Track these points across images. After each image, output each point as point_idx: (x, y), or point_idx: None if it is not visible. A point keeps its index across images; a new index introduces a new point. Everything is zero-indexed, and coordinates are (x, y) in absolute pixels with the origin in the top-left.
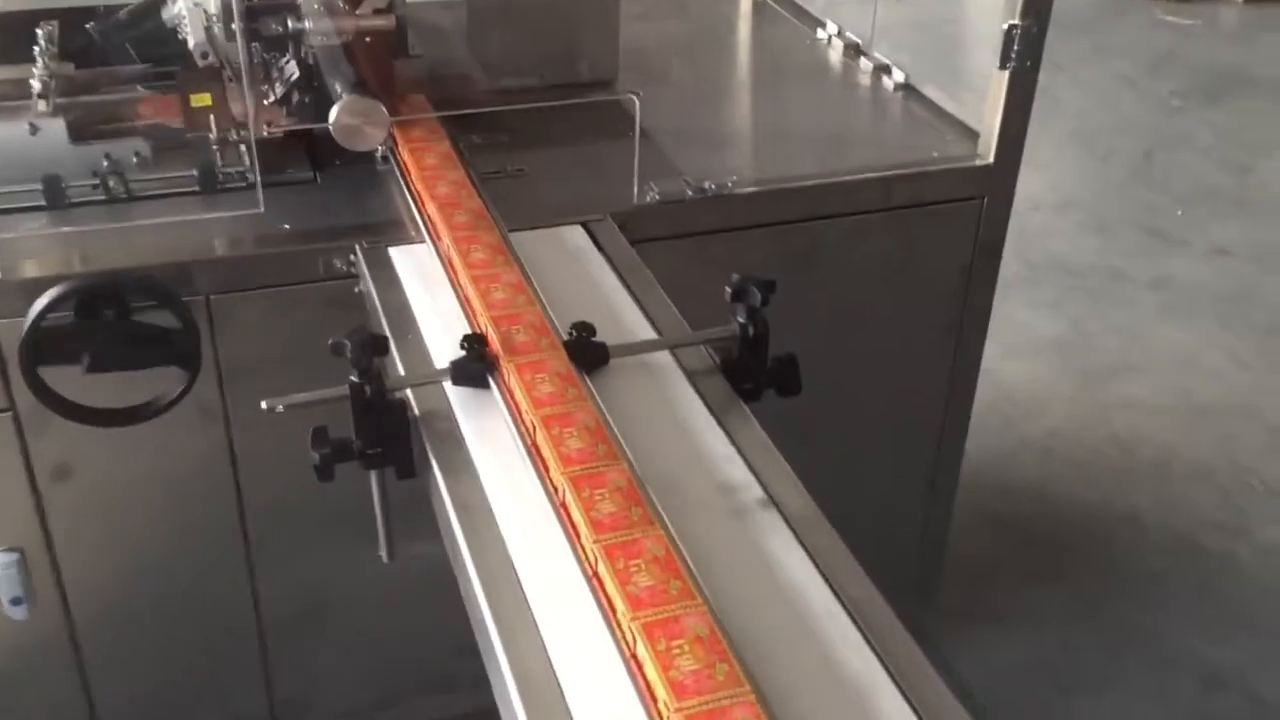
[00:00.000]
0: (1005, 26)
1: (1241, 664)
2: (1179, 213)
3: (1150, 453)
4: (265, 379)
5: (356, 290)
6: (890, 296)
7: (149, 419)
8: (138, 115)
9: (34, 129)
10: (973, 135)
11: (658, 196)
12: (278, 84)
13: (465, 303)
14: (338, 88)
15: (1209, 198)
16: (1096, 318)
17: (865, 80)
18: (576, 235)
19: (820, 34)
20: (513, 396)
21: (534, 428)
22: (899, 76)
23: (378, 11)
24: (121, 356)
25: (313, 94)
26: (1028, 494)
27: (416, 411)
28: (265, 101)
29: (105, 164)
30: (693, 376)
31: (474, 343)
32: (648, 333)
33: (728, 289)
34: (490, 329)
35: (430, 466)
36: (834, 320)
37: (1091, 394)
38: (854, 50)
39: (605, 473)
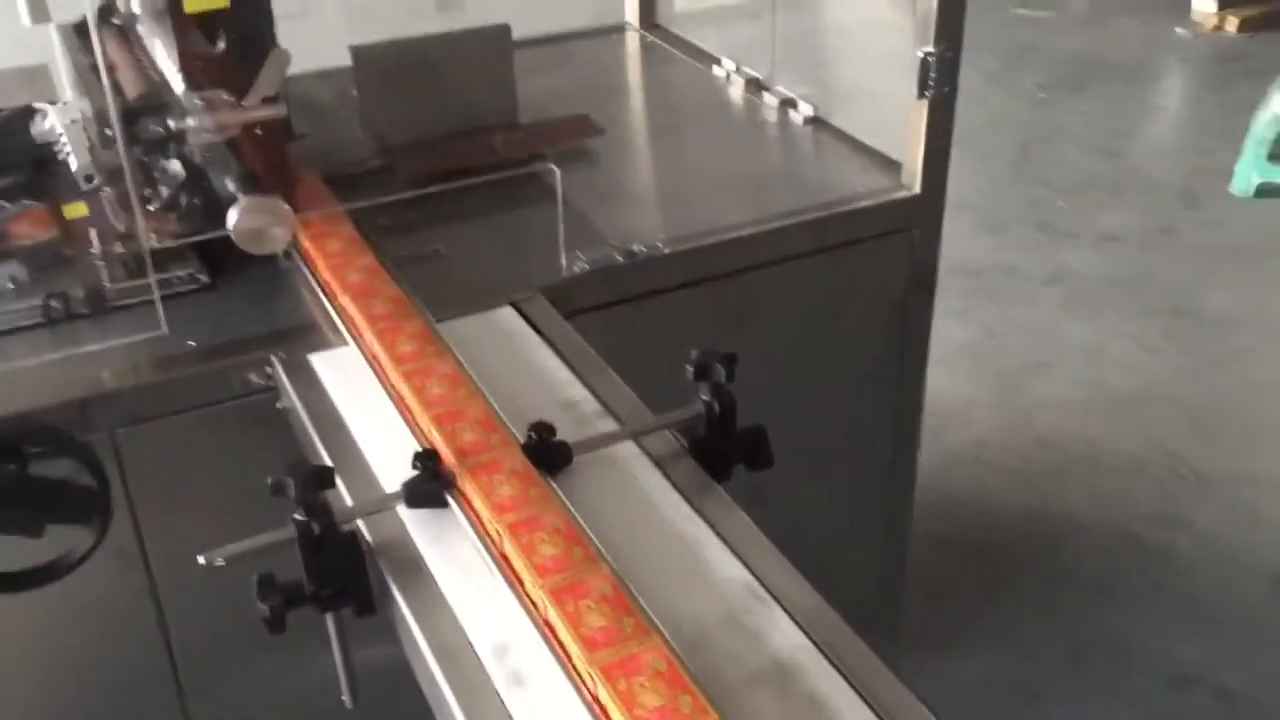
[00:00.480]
0: (920, 54)
1: (1205, 659)
2: (1060, 204)
3: (1078, 450)
4: (186, 514)
5: (279, 406)
6: (828, 338)
7: (57, 579)
8: (9, 236)
9: None
10: (891, 165)
11: (586, 266)
12: (161, 187)
13: (400, 403)
14: (230, 186)
15: (1088, 186)
16: (1002, 319)
17: (773, 116)
18: (508, 318)
19: (718, 71)
20: (472, 508)
21: (500, 536)
22: (807, 110)
23: (266, 100)
24: (19, 520)
25: (201, 195)
26: (966, 508)
27: (371, 541)
28: (149, 207)
29: None
30: (661, 463)
31: (427, 460)
32: (605, 421)
33: (689, 367)
34: (435, 434)
35: (395, 602)
36: (774, 369)
37: (1011, 397)
38: (755, 85)
39: (587, 581)
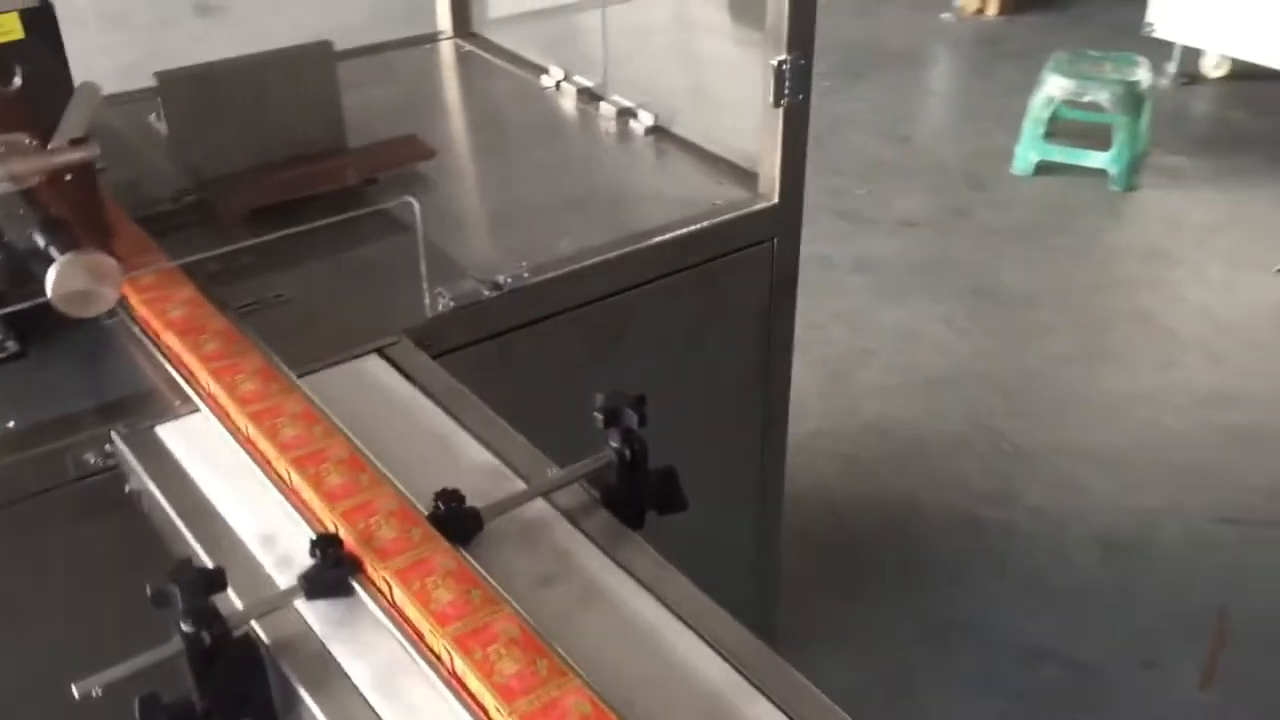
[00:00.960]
0: (775, 63)
1: (1054, 633)
2: (860, 192)
3: (906, 434)
4: (26, 626)
5: (129, 489)
6: (697, 354)
7: None
8: None
9: None
10: (742, 173)
11: (451, 302)
12: None
13: (262, 464)
14: (40, 243)
15: (881, 173)
16: (819, 308)
17: (611, 127)
18: (374, 366)
19: (545, 80)
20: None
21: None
22: (647, 119)
23: (74, 142)
24: None
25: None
26: (809, 501)
27: (268, 642)
28: None
29: None
30: (573, 517)
31: (328, 546)
32: (506, 478)
33: (596, 414)
34: (328, 513)
35: (305, 708)
36: (647, 390)
37: (837, 386)
38: (587, 95)
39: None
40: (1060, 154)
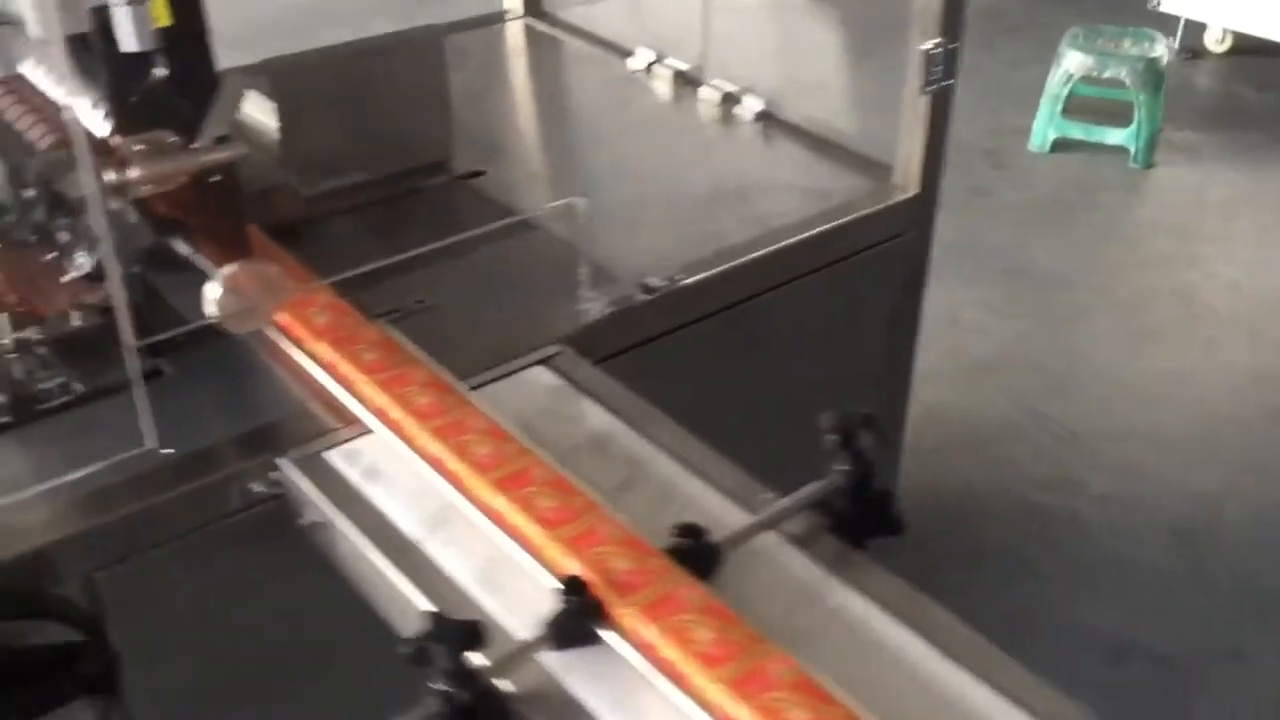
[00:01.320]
0: (926, 48)
1: (1133, 625)
2: None
3: (957, 421)
4: (181, 668)
5: (303, 522)
6: (827, 354)
7: None
8: None
9: None
10: (868, 163)
11: (609, 308)
12: (77, 254)
13: (455, 485)
14: (182, 251)
15: None
16: None
17: (715, 114)
18: (541, 378)
19: (633, 63)
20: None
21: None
22: (754, 104)
23: (219, 141)
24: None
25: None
26: None
27: (514, 692)
28: (61, 279)
29: None
30: (800, 541)
31: (574, 590)
32: (722, 506)
33: (828, 436)
34: (564, 554)
35: None
36: (776, 395)
37: None
38: (683, 79)
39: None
40: (1079, 131)
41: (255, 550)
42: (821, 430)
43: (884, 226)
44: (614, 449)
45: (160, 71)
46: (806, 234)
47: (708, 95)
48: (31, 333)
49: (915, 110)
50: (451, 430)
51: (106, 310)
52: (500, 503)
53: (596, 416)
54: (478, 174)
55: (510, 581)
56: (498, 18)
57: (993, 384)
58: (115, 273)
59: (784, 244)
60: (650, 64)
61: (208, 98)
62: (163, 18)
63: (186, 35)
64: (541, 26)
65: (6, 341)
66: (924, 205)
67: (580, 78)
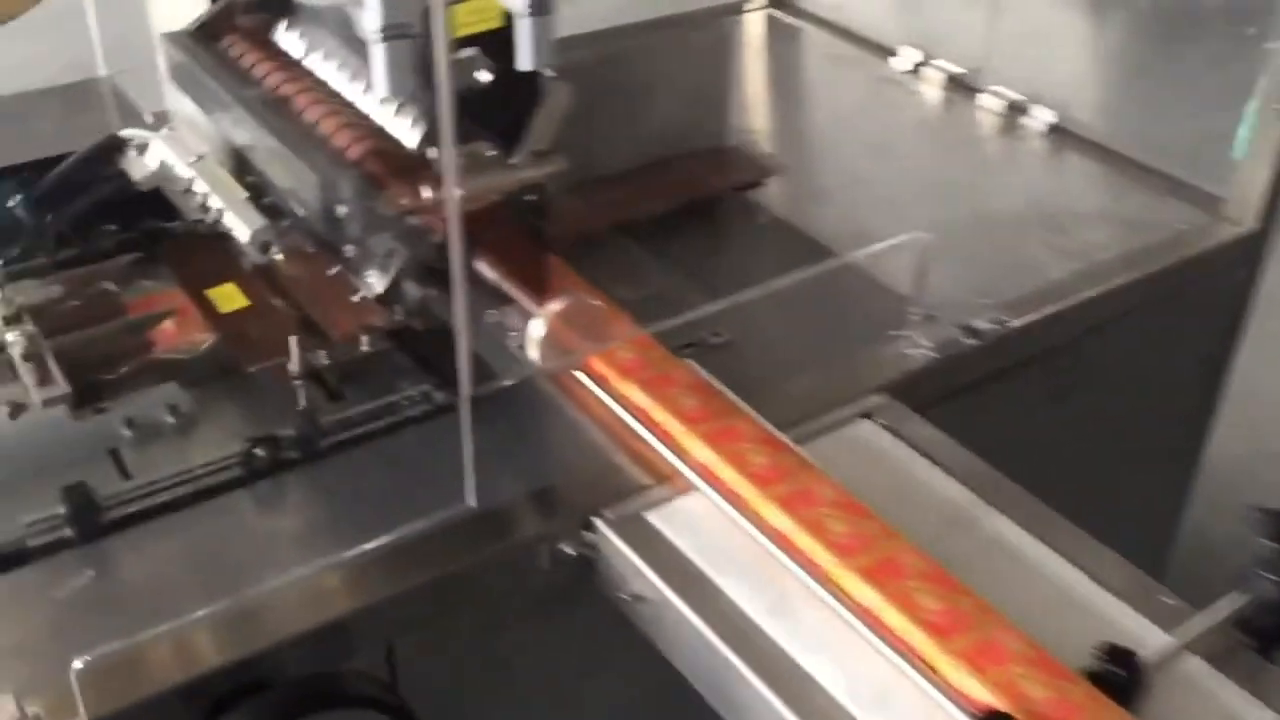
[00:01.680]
0: None
1: None
2: None
3: None
4: None
5: (625, 596)
6: (1137, 403)
7: None
8: (148, 343)
9: (14, 409)
10: (1188, 189)
11: (931, 352)
12: (370, 273)
13: (808, 569)
14: (485, 277)
15: None
16: None
17: (997, 125)
18: (868, 433)
19: (896, 64)
20: None
21: None
22: (1045, 116)
23: (538, 155)
24: None
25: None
26: None
27: None
28: (350, 299)
29: (128, 434)
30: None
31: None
32: (1116, 609)
33: (1263, 541)
34: (950, 664)
35: None
36: (1086, 450)
37: None
38: (955, 84)
39: None
40: None
41: (561, 616)
42: (1252, 530)
43: (1213, 264)
44: (976, 530)
45: (485, 76)
46: (1139, 273)
47: (988, 104)
48: (320, 357)
49: (1265, 131)
50: (799, 501)
51: (392, 334)
52: (870, 596)
53: (943, 486)
54: (754, 185)
55: (894, 697)
56: (735, 8)
57: None
58: (463, 314)
59: (1115, 284)
60: (917, 65)
61: (529, 107)
62: (493, 20)
63: (510, 36)
64: (787, 18)
65: (295, 368)
66: (1263, 244)
67: (838, 79)
